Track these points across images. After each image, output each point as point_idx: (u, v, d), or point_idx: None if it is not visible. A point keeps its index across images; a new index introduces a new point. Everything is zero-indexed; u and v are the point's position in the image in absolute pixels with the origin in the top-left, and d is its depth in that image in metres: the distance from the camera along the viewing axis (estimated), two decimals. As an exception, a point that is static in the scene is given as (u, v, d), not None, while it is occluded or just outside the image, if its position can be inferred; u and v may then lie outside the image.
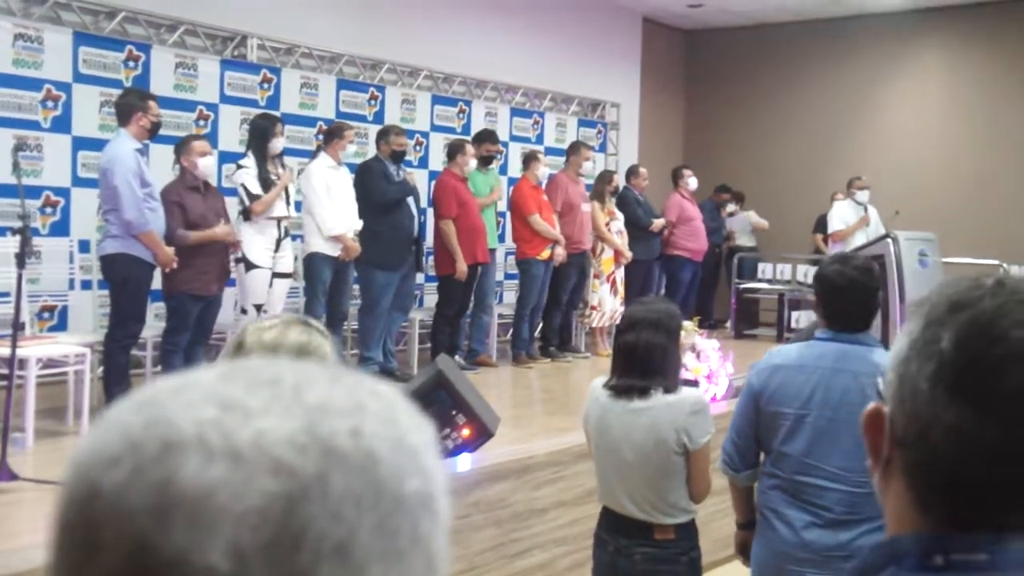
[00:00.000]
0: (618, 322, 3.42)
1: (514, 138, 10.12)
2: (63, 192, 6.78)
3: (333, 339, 1.75)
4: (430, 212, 8.02)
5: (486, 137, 8.39)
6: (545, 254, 8.38)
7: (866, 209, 9.83)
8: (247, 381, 0.52)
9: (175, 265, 5.71)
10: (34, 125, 6.60)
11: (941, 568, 0.79)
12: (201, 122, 7.49)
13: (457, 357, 7.52)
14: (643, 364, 3.11)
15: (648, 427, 3.08)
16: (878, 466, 0.86)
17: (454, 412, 4.78)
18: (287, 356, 0.65)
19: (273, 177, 6.37)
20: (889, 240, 9.18)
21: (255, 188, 6.28)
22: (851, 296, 2.97)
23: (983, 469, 0.79)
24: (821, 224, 10.69)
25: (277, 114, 7.23)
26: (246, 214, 6.33)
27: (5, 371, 4.70)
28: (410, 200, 7.37)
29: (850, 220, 9.77)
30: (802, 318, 9.81)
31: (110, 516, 0.48)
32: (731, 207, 11.83)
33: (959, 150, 11.51)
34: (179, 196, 5.90)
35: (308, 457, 0.49)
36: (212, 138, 7.10)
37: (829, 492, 2.92)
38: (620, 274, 9.12)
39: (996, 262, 9.14)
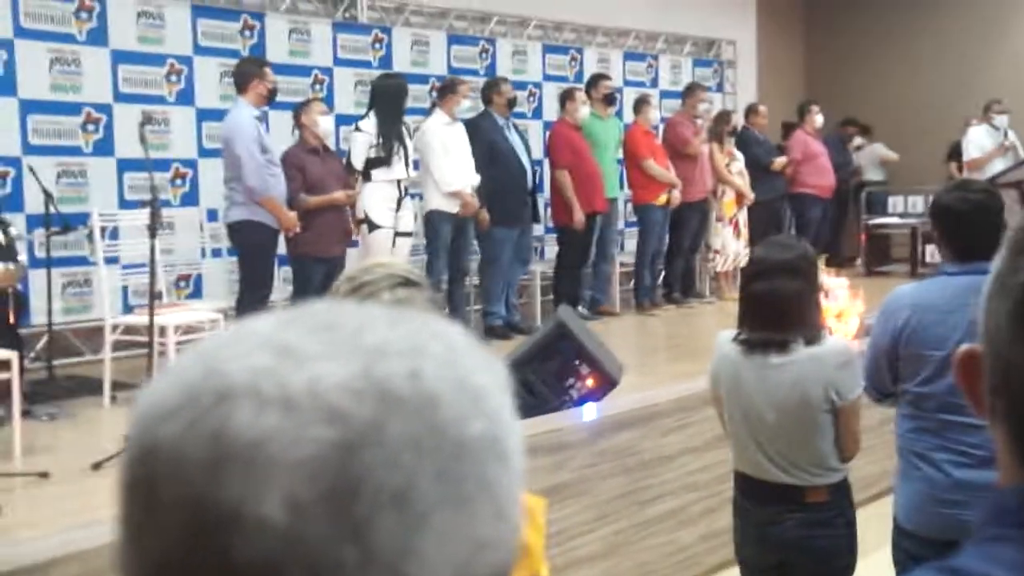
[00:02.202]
0: (743, 265, 3.22)
1: (628, 83, 9.93)
2: (190, 163, 7.00)
3: (428, 291, 1.70)
4: (546, 163, 7.97)
5: (599, 79, 8.26)
6: (662, 199, 8.23)
7: (1006, 134, 9.32)
8: (305, 326, 0.50)
9: (298, 229, 5.84)
10: (160, 100, 6.82)
11: None
12: (316, 86, 7.60)
13: (580, 307, 7.50)
14: (779, 315, 2.82)
15: (792, 384, 2.81)
16: (983, 414, 0.75)
17: (577, 362, 4.77)
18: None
19: (394, 140, 6.44)
20: (1031, 165, 8.72)
21: (358, 161, 6.40)
22: (977, 220, 2.80)
23: None
24: (955, 152, 10.20)
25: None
26: (366, 175, 6.42)
27: (147, 338, 4.90)
28: (522, 153, 7.34)
29: (987, 146, 9.30)
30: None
31: (167, 471, 0.47)
32: (858, 140, 11.42)
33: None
34: (299, 160, 6.02)
35: (363, 402, 0.47)
36: (328, 101, 7.20)
37: (978, 430, 2.76)
38: (743, 216, 8.92)
39: None
